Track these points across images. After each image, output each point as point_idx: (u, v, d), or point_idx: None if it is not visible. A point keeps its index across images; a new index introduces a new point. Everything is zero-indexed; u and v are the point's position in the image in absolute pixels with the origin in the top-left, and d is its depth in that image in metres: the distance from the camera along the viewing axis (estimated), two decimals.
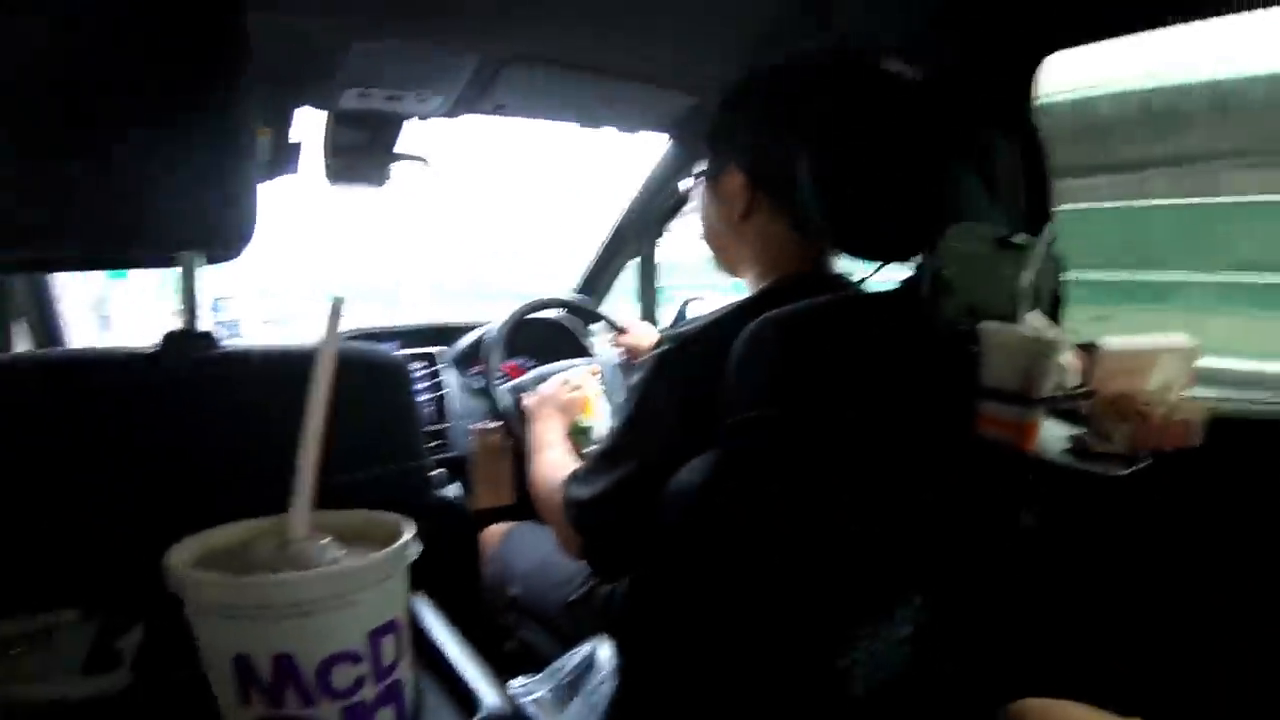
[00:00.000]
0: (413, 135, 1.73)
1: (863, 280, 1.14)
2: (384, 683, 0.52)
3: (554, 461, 1.28)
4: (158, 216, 0.75)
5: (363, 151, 1.73)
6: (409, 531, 0.56)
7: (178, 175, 0.74)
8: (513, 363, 1.89)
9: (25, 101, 0.70)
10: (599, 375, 1.68)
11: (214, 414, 0.78)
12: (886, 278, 1.10)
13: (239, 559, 0.53)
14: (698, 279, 2.07)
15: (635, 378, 1.06)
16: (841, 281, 1.13)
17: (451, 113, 1.67)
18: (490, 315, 1.98)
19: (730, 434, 0.92)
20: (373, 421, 0.85)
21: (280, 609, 0.47)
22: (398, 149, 1.73)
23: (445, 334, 2.14)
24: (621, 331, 1.84)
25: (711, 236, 1.20)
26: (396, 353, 1.77)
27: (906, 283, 0.98)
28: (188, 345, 0.79)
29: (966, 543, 1.07)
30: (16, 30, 0.68)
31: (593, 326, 2.15)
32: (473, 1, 1.33)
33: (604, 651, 0.97)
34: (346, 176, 1.76)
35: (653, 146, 2.06)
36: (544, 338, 1.99)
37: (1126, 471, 0.95)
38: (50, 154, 0.71)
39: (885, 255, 1.01)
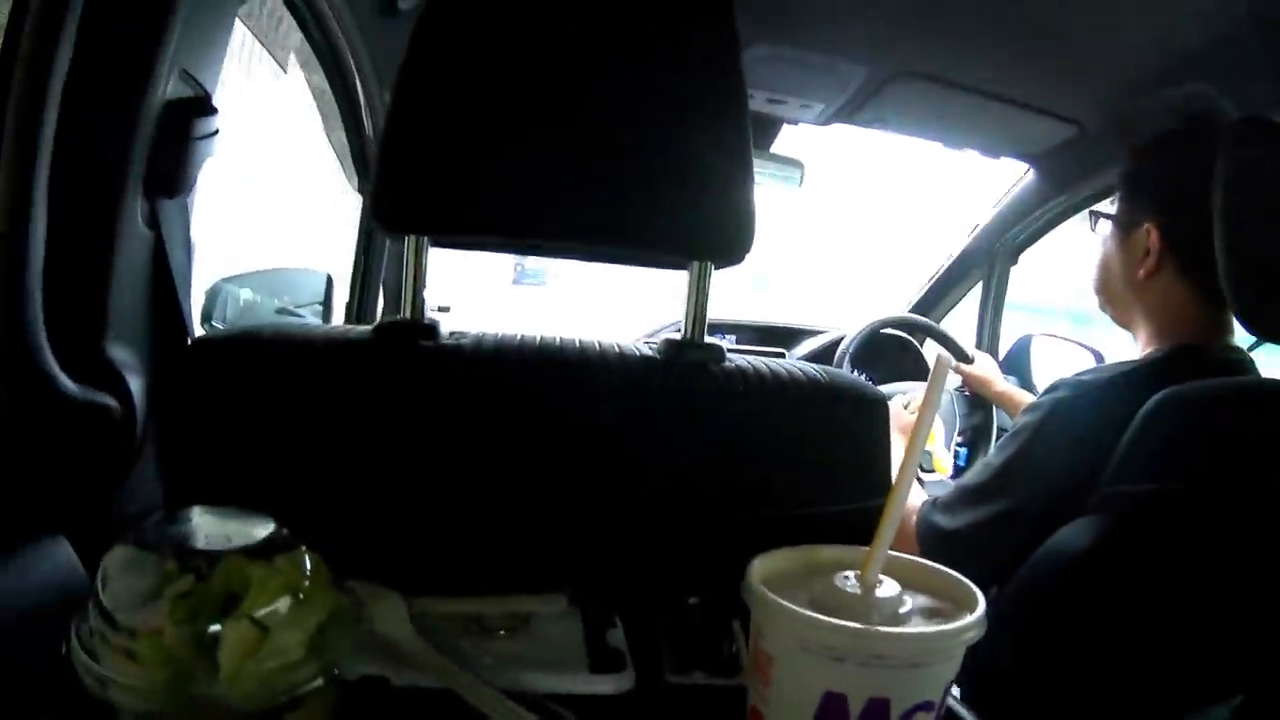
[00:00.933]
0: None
1: (1251, 349, 1.08)
2: None
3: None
4: (677, 225, 0.77)
5: None
6: (979, 594, 0.54)
7: (697, 185, 0.76)
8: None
9: (561, 106, 0.75)
10: None
11: (702, 427, 0.77)
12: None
13: (810, 592, 0.53)
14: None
15: (1024, 418, 1.06)
16: (1245, 362, 1.07)
17: (827, 121, 1.70)
18: (824, 322, 2.01)
19: (1118, 502, 0.91)
20: (848, 455, 0.81)
21: (897, 659, 0.48)
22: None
23: (782, 335, 2.20)
24: (968, 360, 1.81)
25: (1105, 286, 1.17)
26: (734, 348, 1.82)
27: None
28: (690, 354, 0.80)
29: None
30: (553, 36, 0.75)
31: (927, 349, 2.12)
32: (874, 15, 1.34)
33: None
34: None
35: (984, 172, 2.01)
36: (885, 354, 1.99)
37: None
38: (580, 151, 0.75)
39: None
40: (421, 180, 0.75)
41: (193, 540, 0.45)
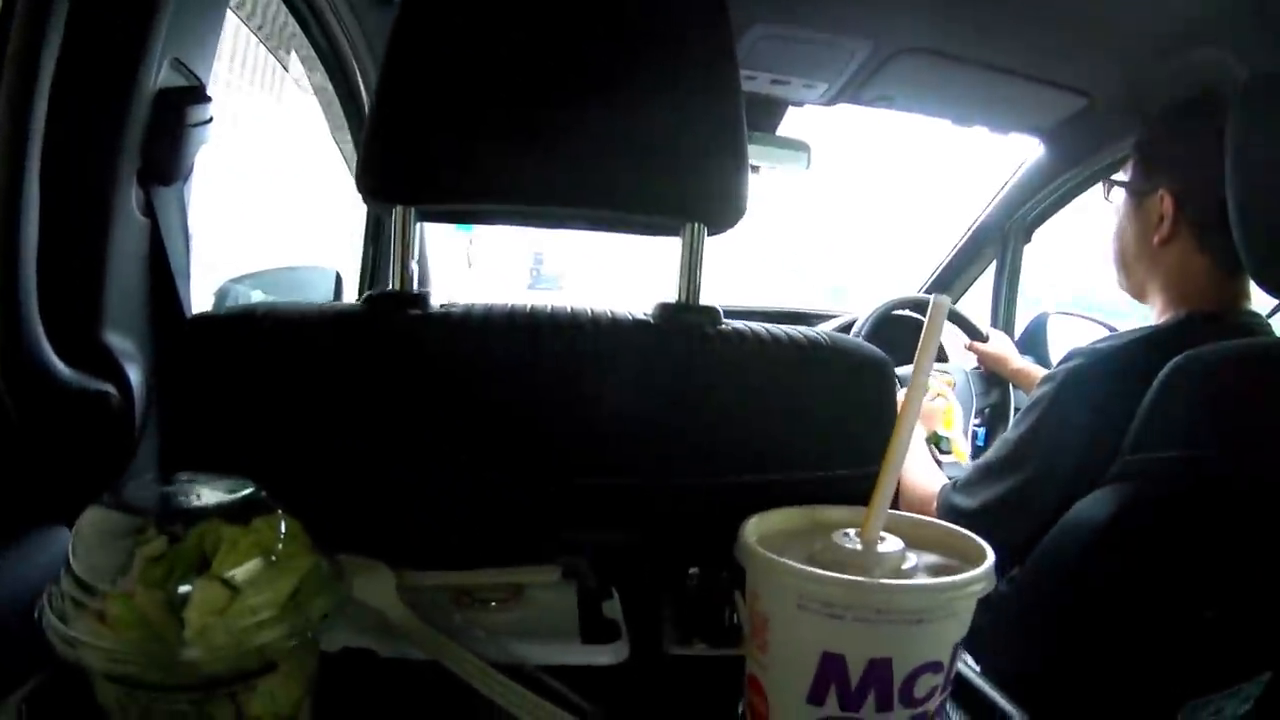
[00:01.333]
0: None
1: (1270, 315, 1.06)
2: (945, 694, 0.49)
3: (918, 466, 1.30)
4: (668, 186, 0.76)
5: None
6: (987, 548, 0.52)
7: (687, 146, 0.75)
8: None
9: (546, 66, 0.74)
10: (954, 386, 1.65)
11: (699, 390, 0.75)
12: None
13: (809, 550, 0.51)
14: None
15: (1040, 389, 1.05)
16: (1264, 328, 1.06)
17: (831, 101, 1.68)
18: (836, 305, 1.99)
19: (1142, 469, 0.89)
20: (851, 418, 0.78)
21: (897, 615, 0.46)
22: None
23: (794, 320, 2.16)
24: (983, 339, 1.79)
25: (1121, 254, 1.16)
26: None
27: None
28: (686, 317, 0.78)
29: None
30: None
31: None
32: None
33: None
34: None
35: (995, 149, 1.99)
36: (899, 336, 1.97)
37: None
38: (567, 116, 0.74)
39: None
40: (408, 150, 0.74)
41: (168, 503, 0.45)
